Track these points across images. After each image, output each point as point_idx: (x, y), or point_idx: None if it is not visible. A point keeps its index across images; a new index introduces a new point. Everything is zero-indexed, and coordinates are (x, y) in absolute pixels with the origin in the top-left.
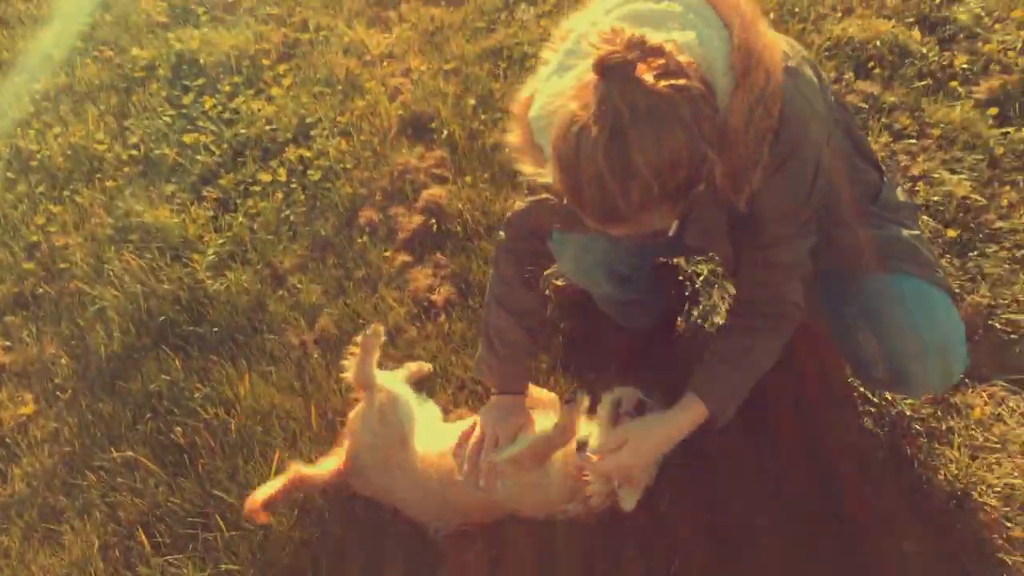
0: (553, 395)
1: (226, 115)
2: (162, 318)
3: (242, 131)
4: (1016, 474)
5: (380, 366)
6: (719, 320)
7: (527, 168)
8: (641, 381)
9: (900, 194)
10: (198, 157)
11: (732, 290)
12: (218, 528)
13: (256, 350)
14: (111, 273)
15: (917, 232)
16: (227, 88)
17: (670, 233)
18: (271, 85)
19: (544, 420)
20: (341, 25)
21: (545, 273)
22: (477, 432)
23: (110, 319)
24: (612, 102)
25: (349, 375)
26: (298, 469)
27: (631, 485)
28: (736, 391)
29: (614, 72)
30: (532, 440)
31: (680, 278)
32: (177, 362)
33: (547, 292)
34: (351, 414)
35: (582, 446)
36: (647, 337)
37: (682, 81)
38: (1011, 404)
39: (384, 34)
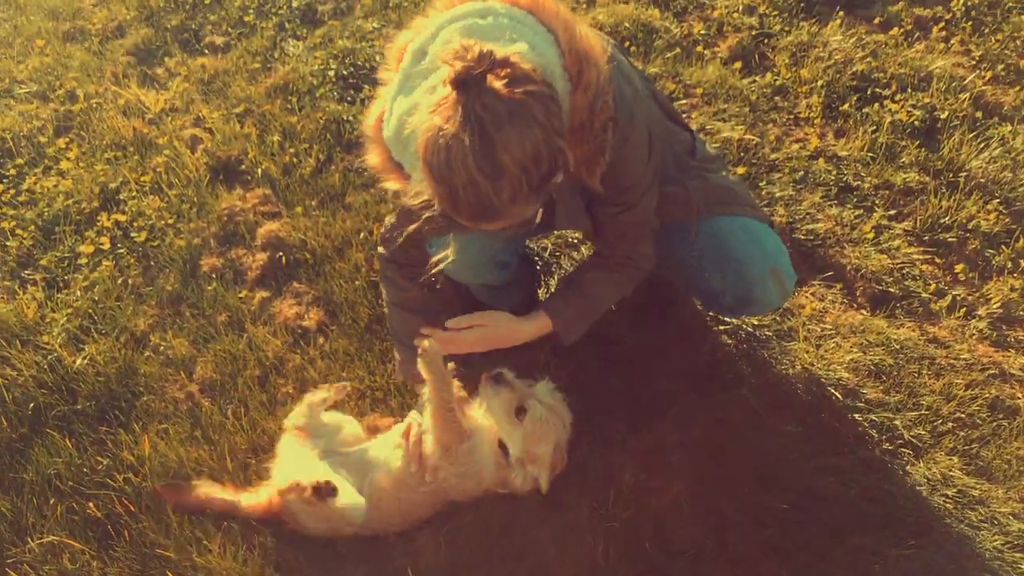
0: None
1: (21, 198)
2: (31, 404)
3: (45, 209)
4: (855, 349)
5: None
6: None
7: (392, 185)
8: (519, 355)
9: (709, 148)
10: (8, 243)
11: (578, 256)
12: None
13: (143, 413)
14: None
15: (732, 177)
16: (12, 172)
17: (536, 221)
18: (59, 160)
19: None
20: (111, 89)
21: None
22: (415, 429)
23: None
24: (474, 112)
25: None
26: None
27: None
28: (581, 315)
29: (470, 85)
30: (432, 412)
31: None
32: (68, 442)
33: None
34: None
35: (503, 446)
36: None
37: (531, 87)
38: (831, 297)
39: (159, 91)
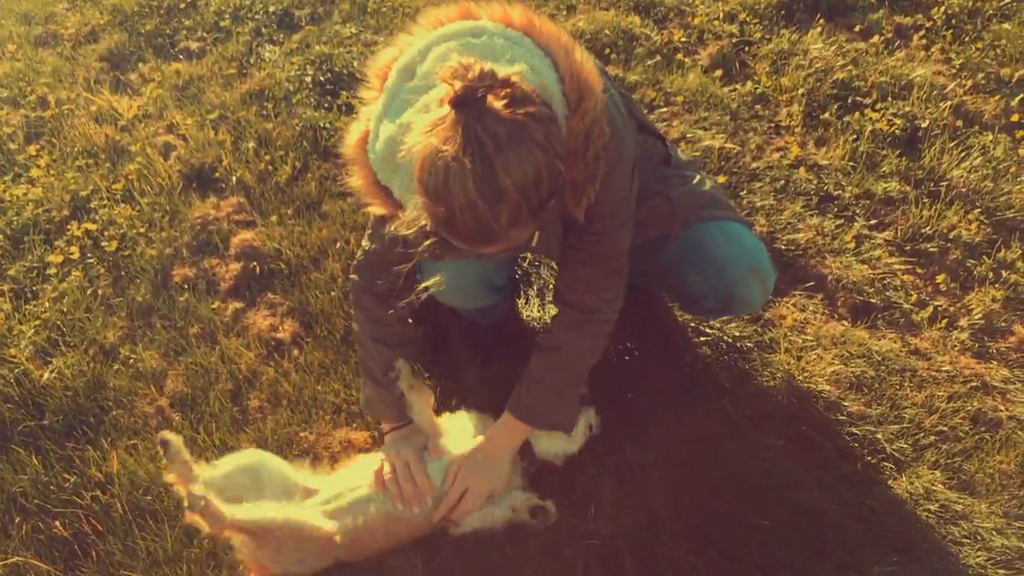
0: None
1: None
2: None
3: (14, 218)
4: (836, 361)
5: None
6: (551, 298)
7: (376, 210)
8: (502, 369)
9: (682, 154)
10: None
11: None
12: None
13: (112, 428)
14: None
15: (708, 180)
16: None
17: (533, 244)
18: (29, 167)
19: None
20: (83, 95)
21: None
22: (387, 467)
23: None
24: (474, 134)
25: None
26: None
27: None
28: (552, 404)
29: (470, 105)
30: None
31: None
32: (34, 458)
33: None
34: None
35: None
36: (499, 328)
37: (532, 108)
38: (812, 308)
39: (133, 97)
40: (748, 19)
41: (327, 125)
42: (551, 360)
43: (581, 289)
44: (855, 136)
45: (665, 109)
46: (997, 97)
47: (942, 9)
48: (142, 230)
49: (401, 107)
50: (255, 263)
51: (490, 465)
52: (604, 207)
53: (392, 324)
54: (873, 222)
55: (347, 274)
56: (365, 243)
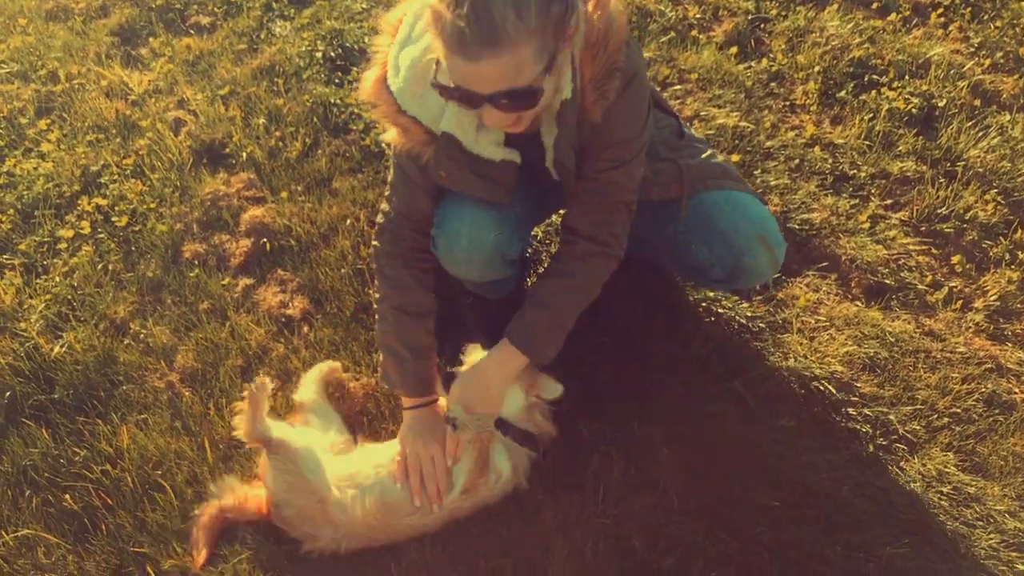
0: None
1: (1, 181)
2: (8, 393)
3: (24, 193)
4: (849, 342)
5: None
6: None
7: (398, 137)
8: None
9: (695, 132)
10: None
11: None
12: None
13: (122, 402)
14: None
15: (719, 156)
16: None
17: (552, 144)
18: (39, 142)
19: None
20: (94, 70)
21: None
22: (411, 461)
23: None
24: None
25: (240, 432)
26: (213, 507)
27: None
28: (552, 334)
29: None
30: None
31: None
32: (44, 432)
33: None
34: (261, 464)
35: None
36: (505, 302)
37: None
38: (825, 288)
39: (143, 72)
40: None
41: (338, 101)
42: (561, 286)
43: (592, 220)
44: (871, 115)
45: (679, 87)
46: (1015, 76)
47: None
48: (152, 205)
49: (419, 36)
50: (265, 239)
51: (482, 390)
52: (623, 128)
53: (415, 290)
54: (888, 202)
55: (357, 251)
56: (384, 206)
